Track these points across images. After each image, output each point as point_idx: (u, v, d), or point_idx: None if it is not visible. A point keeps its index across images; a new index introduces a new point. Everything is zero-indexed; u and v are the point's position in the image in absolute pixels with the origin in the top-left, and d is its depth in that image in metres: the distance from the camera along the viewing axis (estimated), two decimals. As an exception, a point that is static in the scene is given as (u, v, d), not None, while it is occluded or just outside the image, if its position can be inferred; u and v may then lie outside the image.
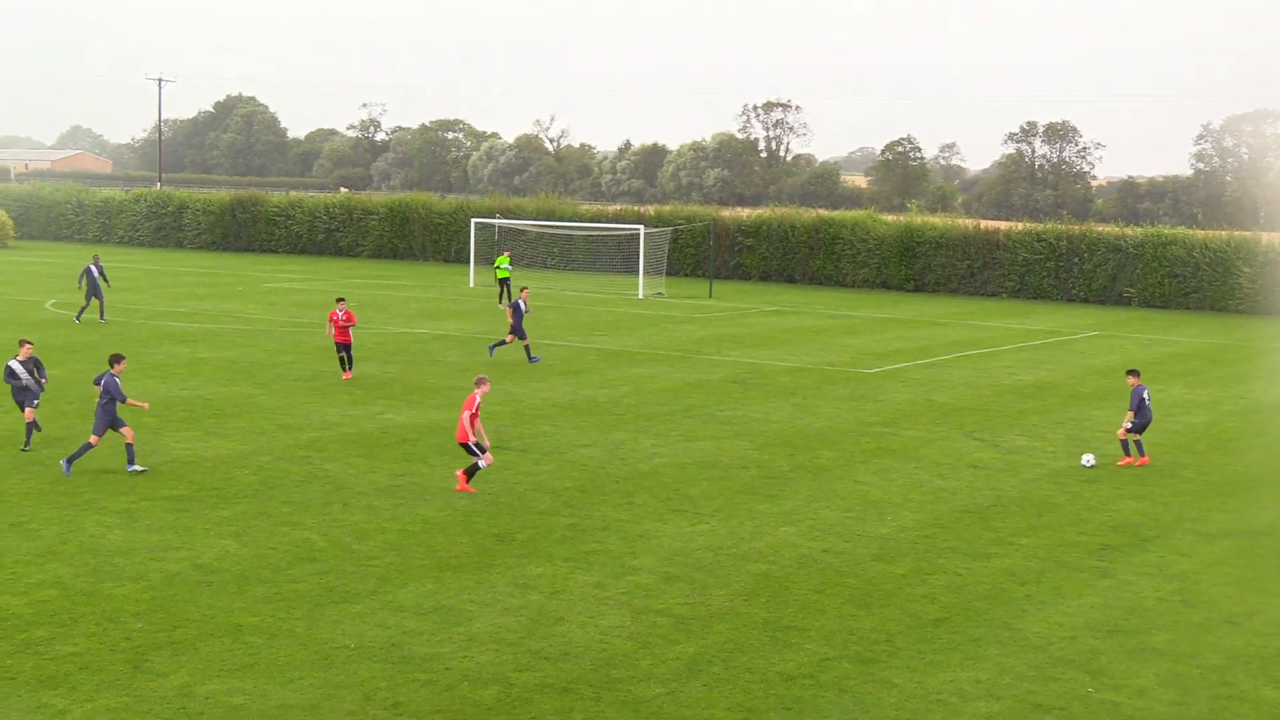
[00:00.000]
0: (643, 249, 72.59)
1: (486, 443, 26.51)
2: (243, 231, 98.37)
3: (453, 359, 44.08)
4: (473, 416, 26.00)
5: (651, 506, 25.45)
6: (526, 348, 43.99)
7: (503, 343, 44.23)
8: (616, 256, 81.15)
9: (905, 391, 39.89)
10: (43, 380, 29.48)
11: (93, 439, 27.01)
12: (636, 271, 72.59)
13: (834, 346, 50.10)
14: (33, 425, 29.03)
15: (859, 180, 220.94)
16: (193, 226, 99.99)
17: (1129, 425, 30.07)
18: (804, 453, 30.77)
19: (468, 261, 78.26)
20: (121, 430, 27.01)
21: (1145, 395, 30.16)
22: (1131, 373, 30.88)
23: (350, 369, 39.52)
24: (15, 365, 29.05)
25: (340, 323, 39.30)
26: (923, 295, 75.24)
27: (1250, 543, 24.21)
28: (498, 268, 64.21)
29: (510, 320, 44.19)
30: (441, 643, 17.96)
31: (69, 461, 26.76)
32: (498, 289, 64.26)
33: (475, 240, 78.01)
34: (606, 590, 20.39)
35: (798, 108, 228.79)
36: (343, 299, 40.66)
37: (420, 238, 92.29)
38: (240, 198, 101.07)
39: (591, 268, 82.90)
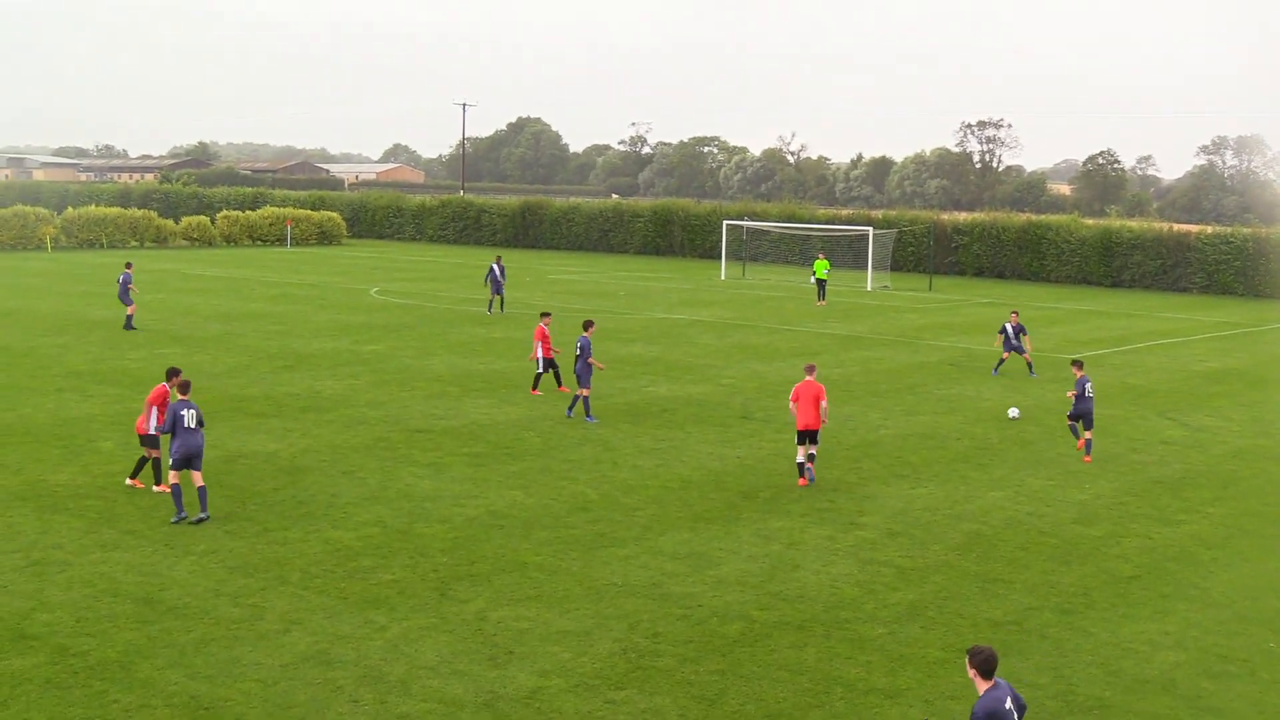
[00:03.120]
0: (871, 248, 71.70)
1: None
2: (530, 231, 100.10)
3: (706, 341, 44.19)
4: None
5: (877, 471, 25.18)
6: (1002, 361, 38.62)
7: (1002, 361, 38.71)
8: (848, 254, 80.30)
9: (1103, 375, 38.63)
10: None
11: (582, 391, 29.29)
12: (866, 267, 71.78)
13: (1039, 335, 48.76)
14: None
15: (1063, 189, 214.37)
16: (489, 227, 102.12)
17: (1071, 411, 27.23)
18: (1012, 427, 30.06)
19: (719, 258, 78.27)
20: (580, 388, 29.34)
21: (1087, 386, 26.96)
22: (1075, 364, 27.64)
23: (562, 382, 33.24)
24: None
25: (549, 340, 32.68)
26: (1120, 290, 72.71)
27: None
28: (815, 270, 60.44)
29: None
30: (695, 583, 18.05)
31: (587, 415, 29.36)
32: (816, 289, 60.16)
33: (726, 239, 77.99)
34: (837, 543, 20.25)
35: (1009, 125, 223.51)
36: (549, 313, 33.79)
37: (679, 237, 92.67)
38: (528, 203, 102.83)
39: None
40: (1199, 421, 31.49)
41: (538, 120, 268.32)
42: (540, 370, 32.66)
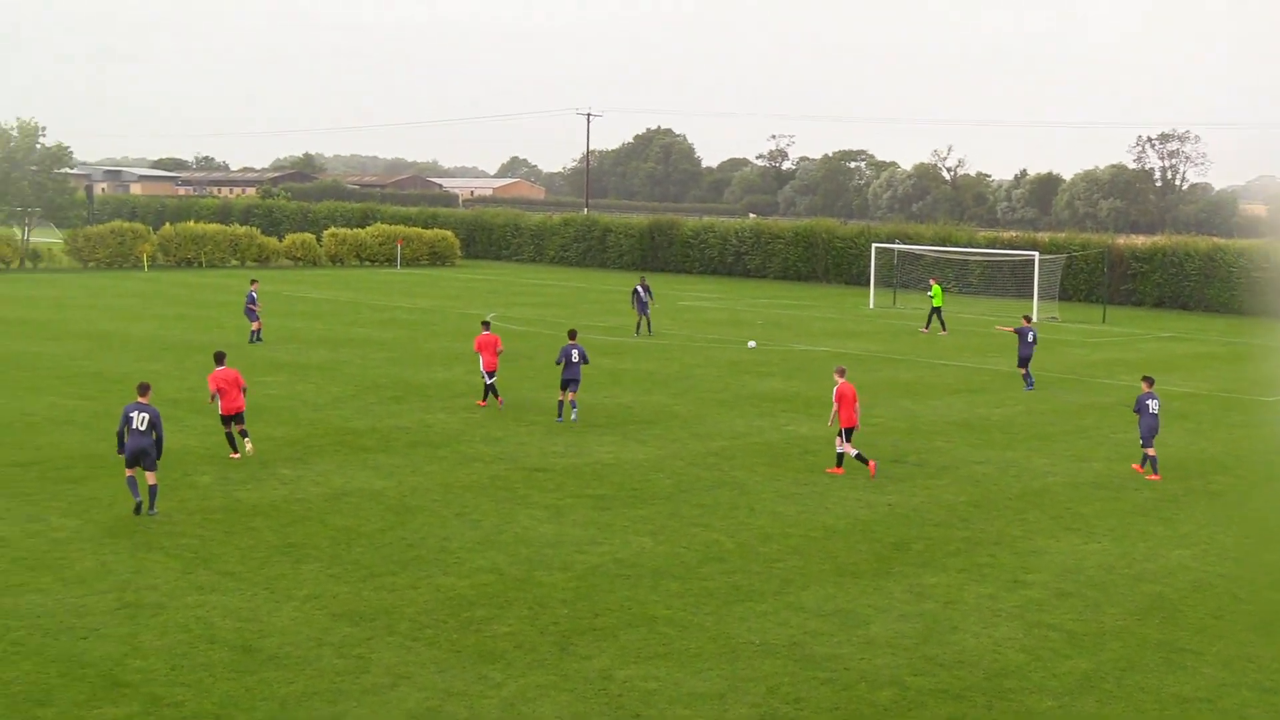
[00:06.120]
0: (1037, 275, 70.76)
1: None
2: (660, 253, 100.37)
3: (852, 375, 43.71)
4: None
5: (1044, 524, 24.73)
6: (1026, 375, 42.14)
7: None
8: (1010, 282, 79.34)
9: (1304, 420, 37.61)
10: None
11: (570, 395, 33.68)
12: (1030, 297, 70.83)
13: (1228, 373, 47.68)
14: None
15: (1258, 209, 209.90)
16: (615, 248, 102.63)
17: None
18: (1198, 477, 29.35)
19: (868, 284, 77.82)
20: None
21: (1150, 403, 28.95)
22: (1145, 379, 29.96)
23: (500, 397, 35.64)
24: None
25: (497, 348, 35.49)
26: (1322, 325, 70.82)
27: None
28: (931, 296, 59.88)
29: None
30: (840, 644, 17.85)
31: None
32: (927, 316, 60.01)
33: (875, 264, 77.42)
34: (1000, 602, 19.91)
35: (1196, 138, 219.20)
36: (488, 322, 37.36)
37: (823, 261, 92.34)
38: (658, 222, 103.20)
39: (986, 292, 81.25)
40: None
41: (668, 132, 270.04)
42: (488, 381, 35.60)
